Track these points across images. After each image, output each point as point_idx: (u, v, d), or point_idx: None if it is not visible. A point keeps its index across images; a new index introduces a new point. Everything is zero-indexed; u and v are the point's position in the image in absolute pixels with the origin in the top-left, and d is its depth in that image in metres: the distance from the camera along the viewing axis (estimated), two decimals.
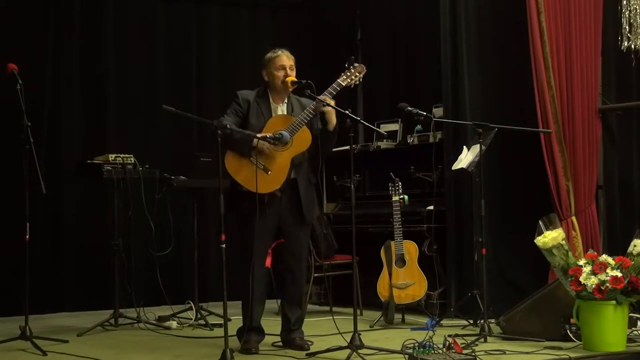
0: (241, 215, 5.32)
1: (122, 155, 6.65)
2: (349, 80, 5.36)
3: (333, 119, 5.30)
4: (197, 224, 6.96)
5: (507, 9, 6.89)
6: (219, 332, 5.79)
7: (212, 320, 6.66)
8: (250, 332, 5.37)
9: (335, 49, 8.46)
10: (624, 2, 6.37)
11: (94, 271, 7.77)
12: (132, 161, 6.67)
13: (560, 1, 6.48)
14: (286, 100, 5.46)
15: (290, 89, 5.41)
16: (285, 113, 5.43)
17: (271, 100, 5.45)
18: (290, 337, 5.45)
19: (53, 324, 6.97)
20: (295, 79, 5.36)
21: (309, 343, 5.43)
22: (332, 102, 5.24)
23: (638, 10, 6.31)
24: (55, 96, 7.94)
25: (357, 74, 5.39)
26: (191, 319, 6.72)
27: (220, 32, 8.83)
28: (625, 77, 6.62)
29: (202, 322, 6.64)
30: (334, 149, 6.11)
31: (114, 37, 8.24)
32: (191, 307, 6.82)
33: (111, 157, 6.61)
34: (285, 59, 5.42)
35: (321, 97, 5.21)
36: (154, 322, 6.66)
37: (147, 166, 6.75)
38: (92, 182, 7.17)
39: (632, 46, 6.32)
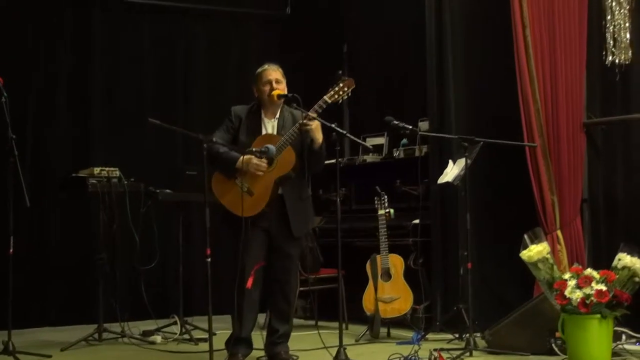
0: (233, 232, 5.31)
1: (107, 169, 6.64)
2: (336, 97, 5.34)
3: (319, 137, 5.26)
4: (182, 238, 6.94)
5: (493, 22, 6.91)
6: (204, 346, 5.76)
7: (197, 334, 6.64)
8: (240, 344, 5.34)
9: (322, 62, 8.47)
10: (608, 17, 6.40)
11: (78, 285, 7.74)
12: (117, 174, 6.66)
13: (546, 15, 6.51)
14: (278, 115, 5.45)
15: (278, 102, 5.40)
16: (275, 127, 5.42)
17: (263, 115, 5.44)
18: (275, 351, 5.41)
19: (36, 339, 6.93)
20: (282, 92, 5.36)
21: (294, 358, 5.41)
22: (315, 123, 5.20)
23: (622, 25, 6.34)
24: (41, 109, 7.92)
25: (346, 89, 5.38)
26: (176, 334, 6.70)
27: (207, 46, 8.83)
28: (610, 91, 6.64)
29: (186, 336, 6.62)
30: None
31: (101, 51, 8.22)
32: (176, 321, 6.79)
33: (96, 170, 6.60)
34: (271, 72, 5.42)
35: (309, 112, 5.20)
36: (139, 336, 6.63)
37: (132, 180, 6.74)
38: (77, 195, 7.13)
39: (617, 61, 6.35)
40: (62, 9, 8.08)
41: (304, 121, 5.18)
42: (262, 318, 6.27)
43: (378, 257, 6.68)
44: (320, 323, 7.01)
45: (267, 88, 5.38)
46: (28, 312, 7.49)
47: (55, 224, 7.86)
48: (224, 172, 5.27)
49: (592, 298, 4.96)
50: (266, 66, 5.47)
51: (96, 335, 6.53)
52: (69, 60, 8.10)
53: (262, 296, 5.40)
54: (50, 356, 5.84)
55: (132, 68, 8.41)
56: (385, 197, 6.77)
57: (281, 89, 5.39)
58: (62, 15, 8.06)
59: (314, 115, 5.20)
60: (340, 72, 5.57)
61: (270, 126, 5.43)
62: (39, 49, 7.94)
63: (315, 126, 5.21)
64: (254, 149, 5.15)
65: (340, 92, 5.35)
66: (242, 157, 5.17)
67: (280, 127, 5.40)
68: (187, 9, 8.66)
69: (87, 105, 8.15)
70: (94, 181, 6.54)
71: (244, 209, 5.13)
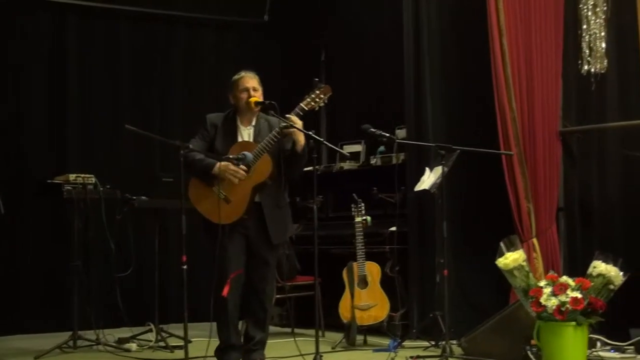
0: (208, 241, 5.29)
1: (82, 175, 6.60)
2: (313, 104, 5.34)
3: (301, 139, 5.25)
4: (158, 245, 6.91)
5: (470, 31, 6.94)
6: (180, 354, 5.74)
7: (173, 342, 6.60)
8: (230, 351, 5.33)
9: (300, 69, 8.47)
10: (584, 27, 6.44)
11: (52, 292, 7.70)
12: (93, 181, 6.61)
13: (522, 24, 6.54)
14: (254, 122, 5.44)
15: (255, 110, 5.39)
16: (251, 135, 5.40)
17: (239, 122, 5.42)
18: (251, 358, 5.39)
19: (11, 346, 6.88)
20: (259, 100, 5.34)
21: None
22: (299, 123, 5.23)
23: (598, 35, 6.38)
24: (17, 115, 7.88)
25: (322, 96, 5.38)
26: (151, 341, 6.66)
27: (185, 53, 8.82)
28: (585, 100, 6.68)
29: (162, 344, 6.58)
30: None
31: (78, 57, 8.19)
32: (151, 328, 6.76)
33: (72, 177, 6.56)
34: (248, 79, 5.41)
35: (288, 116, 5.20)
36: (114, 344, 6.59)
37: (108, 186, 6.70)
38: (52, 202, 7.11)
39: (592, 70, 6.39)
40: (37, 15, 8.04)
41: (288, 122, 5.16)
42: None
43: (355, 264, 6.68)
44: (296, 330, 7.00)
45: (244, 95, 5.37)
46: (2, 319, 7.44)
47: (30, 231, 7.81)
48: (201, 178, 5.25)
49: (568, 305, 4.97)
50: (243, 73, 5.45)
51: (71, 343, 6.48)
52: (45, 66, 8.06)
53: (240, 303, 5.39)
54: None
55: (109, 75, 8.39)
56: (362, 204, 6.77)
57: (258, 96, 5.38)
58: (38, 20, 8.03)
59: (293, 117, 5.21)
60: (317, 79, 5.56)
61: (246, 134, 5.42)
62: (14, 55, 7.89)
63: (299, 127, 5.22)
64: (230, 156, 5.14)
65: (317, 99, 5.35)
66: (218, 163, 5.16)
67: (257, 135, 5.38)
68: (164, 16, 8.65)
69: (64, 111, 8.11)
70: (69, 188, 6.50)
71: (222, 217, 5.12)
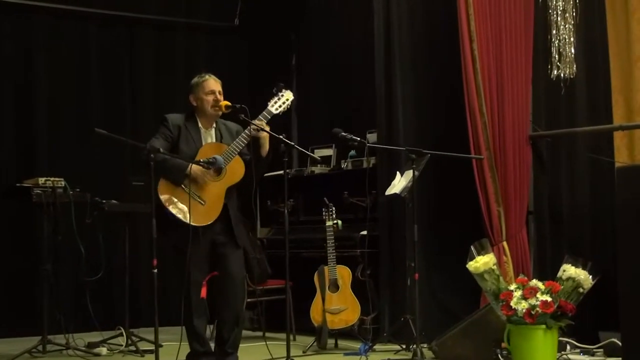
0: (176, 243, 5.27)
1: (52, 179, 6.54)
2: (277, 107, 5.36)
3: (266, 144, 5.29)
4: (129, 249, 6.88)
5: (441, 36, 6.98)
6: (150, 358, 5.71)
7: (143, 346, 6.57)
8: (201, 357, 5.33)
9: (270, 73, 8.46)
10: (554, 32, 6.48)
11: (21, 296, 7.63)
12: (63, 184, 6.56)
13: (493, 30, 6.58)
14: (215, 125, 5.43)
15: (225, 112, 5.37)
16: (214, 138, 5.40)
17: (200, 125, 5.41)
18: None
19: None
20: (229, 103, 5.33)
21: None
22: (267, 127, 5.24)
23: (567, 40, 6.43)
24: None
25: (286, 100, 5.39)
26: (122, 345, 6.62)
27: (154, 56, 8.78)
28: (555, 104, 6.73)
29: (132, 348, 6.55)
30: (267, 174, 6.12)
31: (45, 60, 8.14)
32: (122, 333, 6.72)
33: (41, 180, 6.50)
34: (214, 83, 5.40)
35: (256, 121, 5.21)
36: (84, 348, 6.55)
37: (77, 190, 6.65)
38: (22, 205, 7.04)
39: (562, 75, 6.43)
40: (1, 16, 7.97)
41: (259, 125, 5.17)
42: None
43: (326, 268, 6.69)
44: (267, 334, 6.98)
45: (210, 98, 5.35)
46: None
47: None
48: (171, 178, 5.21)
49: (538, 309, 5.01)
50: (206, 76, 5.43)
51: (40, 347, 6.43)
52: (13, 69, 8.00)
53: (209, 305, 5.38)
54: None
55: (78, 77, 8.34)
56: (333, 208, 6.78)
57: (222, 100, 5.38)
58: (3, 22, 7.95)
59: (264, 122, 5.21)
60: (282, 84, 5.55)
61: (208, 136, 5.40)
62: None
63: (265, 133, 5.22)
64: (201, 160, 5.12)
65: (281, 104, 5.37)
66: (190, 164, 5.14)
67: (219, 138, 5.38)
68: (134, 19, 8.61)
69: (32, 114, 8.05)
70: (38, 191, 6.44)
71: (196, 219, 5.10)
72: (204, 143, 5.34)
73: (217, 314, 5.53)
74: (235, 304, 5.42)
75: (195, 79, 5.44)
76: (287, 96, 5.41)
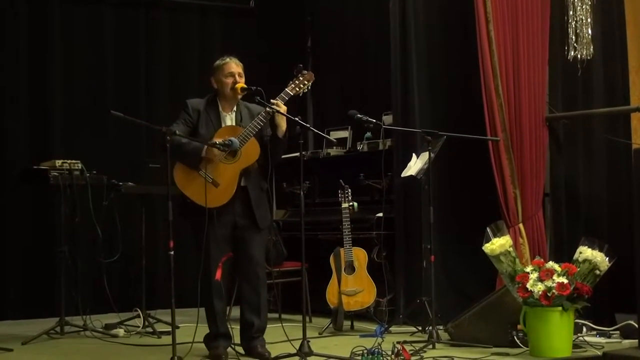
0: (193, 226, 5.31)
1: (69, 161, 6.56)
2: (297, 89, 5.36)
3: (283, 125, 5.29)
4: (145, 231, 6.90)
5: (457, 18, 6.95)
6: (167, 339, 5.73)
7: (160, 327, 6.60)
8: (219, 338, 5.36)
9: (286, 55, 8.45)
10: (571, 13, 6.44)
11: (39, 278, 7.67)
12: (79, 167, 6.58)
13: (509, 11, 6.55)
14: (235, 108, 5.45)
15: (240, 95, 5.38)
16: (234, 121, 5.41)
17: (220, 108, 5.43)
18: (252, 345, 5.40)
19: None
20: (245, 86, 5.34)
21: (269, 353, 5.37)
22: (284, 108, 5.24)
23: (584, 21, 6.38)
24: (1, 101, 7.82)
25: (306, 82, 5.39)
26: (139, 327, 6.65)
27: (169, 38, 8.76)
28: (572, 86, 6.69)
29: (149, 329, 6.58)
30: (283, 156, 6.11)
31: (61, 42, 8.14)
32: (139, 314, 6.75)
33: (58, 163, 6.52)
34: (234, 65, 5.41)
35: (272, 101, 5.21)
36: (101, 330, 6.58)
37: (94, 172, 6.67)
38: (38, 188, 7.07)
39: (579, 56, 6.39)
40: (18, 1, 7.97)
41: (274, 107, 5.17)
42: (236, 311, 6.22)
43: (341, 250, 6.69)
44: (283, 316, 7.00)
45: (229, 80, 5.36)
46: None
47: (15, 217, 7.78)
48: (188, 163, 5.24)
49: (554, 291, 5.01)
50: (228, 59, 5.45)
51: (58, 329, 6.47)
52: (29, 52, 8.00)
53: (230, 288, 5.40)
54: (11, 350, 5.78)
55: (94, 60, 8.33)
56: (349, 190, 6.78)
57: (243, 82, 5.38)
58: (18, 5, 7.96)
59: (281, 103, 5.22)
60: (301, 65, 5.55)
61: (229, 119, 5.42)
62: None
63: (284, 111, 5.23)
64: (217, 142, 5.14)
65: (301, 85, 5.37)
66: (205, 147, 5.15)
67: (239, 121, 5.39)
68: (149, 1, 8.60)
69: (49, 96, 8.06)
70: (55, 174, 6.46)
71: (210, 200, 5.12)
72: (223, 126, 5.35)
73: (241, 299, 5.55)
74: (259, 287, 5.45)
75: (217, 62, 5.46)
76: (308, 77, 5.40)
